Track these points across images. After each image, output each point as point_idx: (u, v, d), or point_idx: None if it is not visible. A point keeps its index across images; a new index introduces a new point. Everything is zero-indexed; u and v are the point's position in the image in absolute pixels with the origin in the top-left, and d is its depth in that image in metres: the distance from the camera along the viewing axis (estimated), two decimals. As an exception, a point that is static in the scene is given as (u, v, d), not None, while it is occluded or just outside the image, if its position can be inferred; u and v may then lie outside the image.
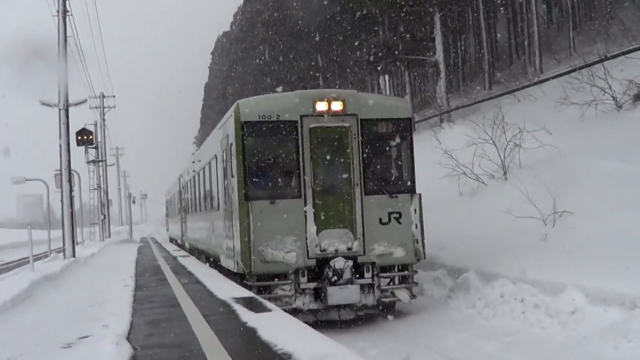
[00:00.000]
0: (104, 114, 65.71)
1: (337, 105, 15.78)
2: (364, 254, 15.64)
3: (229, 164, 16.75)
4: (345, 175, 15.84)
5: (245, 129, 15.46)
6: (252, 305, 12.46)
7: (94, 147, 55.25)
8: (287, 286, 15.31)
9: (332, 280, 15.09)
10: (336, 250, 15.37)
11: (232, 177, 16.06)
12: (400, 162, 16.81)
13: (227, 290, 15.23)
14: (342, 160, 15.98)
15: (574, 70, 26.58)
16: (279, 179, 15.86)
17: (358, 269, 15.64)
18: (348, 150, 15.80)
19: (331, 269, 15.10)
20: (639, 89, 22.44)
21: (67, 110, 26.62)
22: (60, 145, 26.91)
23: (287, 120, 15.63)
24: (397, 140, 16.63)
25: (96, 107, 65.76)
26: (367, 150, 16.13)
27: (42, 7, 28.14)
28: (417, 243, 15.93)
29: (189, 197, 32.37)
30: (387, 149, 16.86)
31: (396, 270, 16.25)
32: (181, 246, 41.18)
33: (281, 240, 15.09)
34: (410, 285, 16.27)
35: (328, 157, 16.12)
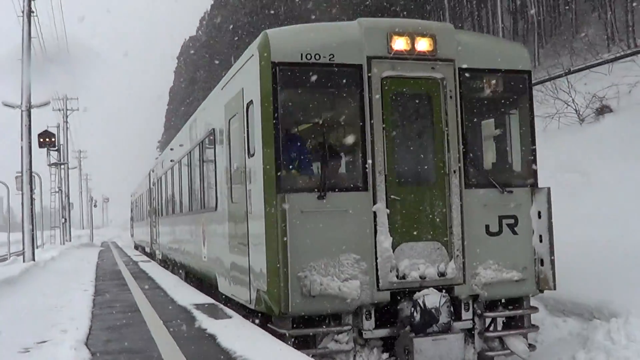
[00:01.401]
0: (66, 117, 65.24)
1: (424, 45, 9.95)
2: (464, 281, 9.89)
3: (243, 138, 10.54)
4: (436, 157, 10.05)
5: (280, 76, 9.45)
6: (212, 311, 12.02)
7: (56, 150, 54.30)
8: (342, 335, 9.57)
9: (419, 325, 9.41)
10: (422, 277, 9.61)
11: (251, 156, 10.10)
12: (516, 139, 10.99)
13: (188, 296, 14.51)
14: (431, 132, 10.17)
15: (538, 83, 25.76)
16: (332, 161, 10.16)
17: (454, 307, 9.98)
18: (440, 117, 10.05)
19: (418, 308, 9.39)
20: (601, 103, 22.30)
21: (29, 112, 26.22)
22: (21, 147, 26.45)
23: (346, 65, 9.73)
24: (512, 104, 11.02)
25: (59, 110, 65.37)
26: (469, 118, 10.41)
27: (6, 8, 27.99)
28: (542, 265, 10.31)
29: (163, 196, 25.41)
30: (498, 117, 11.33)
31: (502, 305, 10.54)
32: (150, 255, 33.74)
33: (335, 260, 9.32)
34: (528, 330, 10.61)
35: (410, 127, 10.43)
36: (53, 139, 45.44)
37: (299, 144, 10.62)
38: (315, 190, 9.49)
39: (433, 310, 9.42)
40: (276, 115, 9.47)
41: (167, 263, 25.48)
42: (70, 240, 61.54)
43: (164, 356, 8.52)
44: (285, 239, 9.07)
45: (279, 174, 9.42)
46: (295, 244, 9.13)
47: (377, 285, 9.55)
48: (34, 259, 26.30)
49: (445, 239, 9.94)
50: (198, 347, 9.03)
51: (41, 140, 42.34)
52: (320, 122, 10.64)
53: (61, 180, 59.33)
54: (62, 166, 59.03)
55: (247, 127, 10.38)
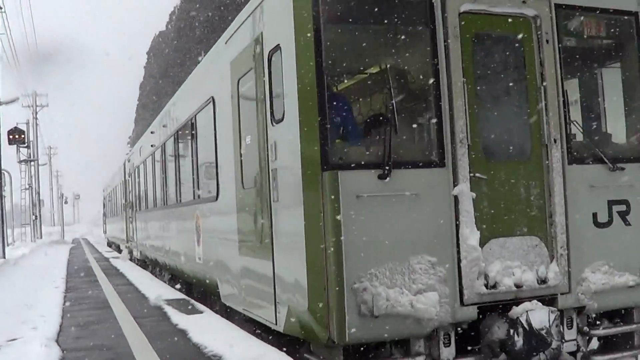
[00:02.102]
0: (36, 113, 64.54)
1: None
2: (569, 290, 7.31)
3: (263, 100, 7.84)
4: (530, 122, 7.44)
5: (323, 8, 6.83)
6: (183, 307, 11.85)
7: (26, 147, 53.64)
8: None
9: (523, 352, 6.79)
10: (518, 286, 7.00)
11: (278, 122, 7.41)
12: (627, 100, 8.19)
13: (159, 292, 14.28)
14: (522, 88, 7.55)
15: None
16: (395, 126, 7.08)
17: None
18: (534, 68, 7.44)
19: (520, 329, 6.76)
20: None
21: (-3, 109, 26.11)
22: (-10, 144, 26.35)
23: None
24: (619, 53, 8.37)
25: (28, 106, 64.64)
26: (569, 71, 7.95)
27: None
28: None
29: (142, 187, 21.80)
30: (602, 71, 8.71)
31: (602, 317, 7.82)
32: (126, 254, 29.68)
33: (404, 264, 6.76)
34: None
35: (496, 81, 7.61)
36: (23, 136, 44.75)
37: (349, 102, 8.03)
38: (375, 166, 6.79)
39: (542, 332, 6.73)
40: (320, 61, 6.76)
41: (147, 263, 22.53)
42: (41, 238, 61.07)
43: (134, 352, 8.40)
44: (338, 235, 6.48)
45: (325, 143, 6.69)
46: (350, 242, 6.50)
47: (462, 299, 6.87)
48: (4, 257, 25.93)
49: (544, 232, 7.32)
50: (169, 342, 8.93)
51: (10, 137, 41.68)
52: (379, 73, 8.07)
53: (31, 177, 58.70)
54: (32, 163, 58.60)
55: (270, 85, 7.62)
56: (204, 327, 9.70)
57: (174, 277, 16.82)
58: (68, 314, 12.02)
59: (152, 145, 18.60)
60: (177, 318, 10.65)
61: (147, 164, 20.30)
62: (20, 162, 53.94)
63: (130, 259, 27.39)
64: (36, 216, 60.48)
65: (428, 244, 6.84)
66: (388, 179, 6.75)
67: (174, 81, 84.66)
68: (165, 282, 17.36)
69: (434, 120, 7.11)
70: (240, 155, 8.95)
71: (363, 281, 6.55)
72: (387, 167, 6.76)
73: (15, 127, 43.37)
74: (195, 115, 12.16)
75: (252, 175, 8.48)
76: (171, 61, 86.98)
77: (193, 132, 12.55)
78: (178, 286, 15.72)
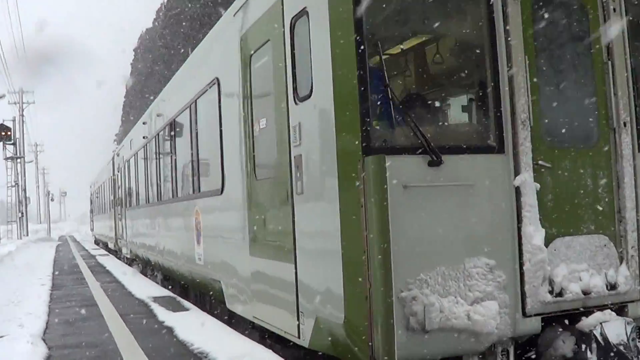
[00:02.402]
0: (22, 110, 64.11)
1: None
2: None
3: (283, 75, 6.71)
4: (596, 103, 6.40)
5: None
6: (170, 304, 11.73)
7: (12, 144, 53.17)
8: None
9: None
10: (586, 292, 5.99)
11: (303, 99, 6.31)
12: None
13: (146, 289, 14.20)
14: (587, 63, 6.51)
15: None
16: (447, 103, 6.80)
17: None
18: (600, 41, 6.39)
19: (594, 345, 5.73)
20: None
21: (-16, 106, 25.92)
22: (-24, 142, 26.20)
23: None
24: None
25: (15, 103, 64.18)
26: (636, 45, 6.68)
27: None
28: None
29: (132, 182, 20.42)
30: None
31: None
32: (115, 252, 28.81)
33: (458, 268, 5.76)
34: None
35: (559, 54, 6.50)
36: (9, 133, 44.56)
37: (393, 75, 6.88)
38: (424, 151, 5.70)
39: (620, 347, 5.66)
40: (359, 25, 5.64)
41: (137, 262, 21.19)
42: (27, 235, 60.52)
43: (121, 349, 8.30)
44: (384, 234, 5.29)
45: (366, 122, 5.60)
46: (397, 242, 5.37)
47: (523, 308, 5.83)
48: (-10, 254, 25.86)
49: (612, 230, 6.29)
50: (155, 339, 8.85)
51: (-3, 134, 41.62)
52: (428, 41, 6.97)
53: (17, 175, 58.31)
54: (19, 160, 58.07)
55: (294, 57, 6.49)
56: (191, 324, 9.65)
57: (167, 278, 15.78)
58: (55, 312, 11.97)
59: (143, 137, 17.18)
60: (164, 315, 10.61)
61: (138, 158, 18.92)
62: (6, 159, 53.47)
63: (119, 257, 26.29)
64: (22, 213, 60.01)
65: (485, 243, 5.80)
66: (439, 166, 5.70)
67: (161, 78, 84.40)
68: (157, 282, 16.35)
69: (491, 98, 6.00)
70: (252, 142, 7.76)
71: (412, 288, 5.52)
72: (438, 153, 5.67)
73: (2, 124, 43.10)
74: (196, 101, 10.92)
75: (267, 164, 7.46)
76: (158, 58, 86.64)
77: (193, 119, 11.30)
78: (170, 287, 15.11)
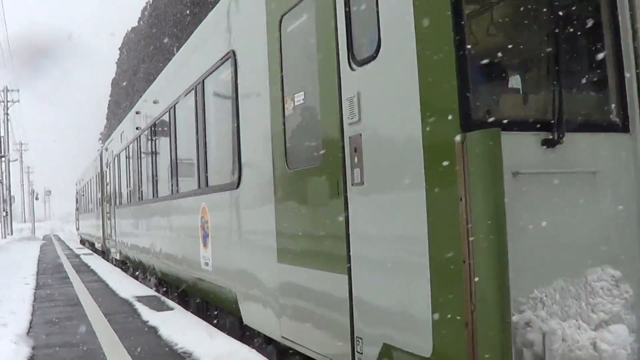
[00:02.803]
0: (7, 108, 63.71)
1: None
2: None
3: (331, 36, 5.37)
4: None
5: None
6: (154, 303, 11.68)
7: (-4, 142, 53.61)
8: None
9: None
10: None
11: (366, 61, 4.94)
12: None
13: (130, 288, 14.23)
14: None
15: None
16: (565, 68, 4.75)
17: None
18: None
19: None
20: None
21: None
22: (-39, 141, 26.03)
23: None
24: None
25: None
26: None
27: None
28: None
29: (123, 178, 18.79)
30: None
31: None
32: (103, 253, 27.04)
33: (579, 281, 4.47)
34: None
35: None
36: (-7, 132, 44.43)
37: (497, 31, 5.42)
38: (537, 127, 4.52)
39: None
40: None
41: (128, 264, 19.49)
42: (11, 234, 59.94)
43: (105, 349, 8.28)
44: (497, 236, 4.02)
45: (465, 88, 4.30)
46: (509, 248, 4.08)
47: None
48: (-26, 253, 25.68)
49: None
50: (139, 339, 8.81)
51: (-20, 133, 41.31)
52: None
53: (2, 173, 57.95)
54: (3, 159, 57.67)
55: (349, 7, 5.15)
56: (175, 324, 9.62)
57: (162, 282, 14.37)
58: (38, 311, 11.90)
59: (137, 128, 15.70)
60: (148, 315, 10.59)
61: (130, 151, 17.23)
62: (-10, 158, 53.15)
63: (107, 259, 24.90)
64: (6, 212, 59.70)
65: (610, 249, 4.55)
66: (557, 146, 4.45)
67: (146, 77, 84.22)
68: (151, 287, 15.15)
69: (612, 61, 4.89)
70: (283, 124, 6.39)
71: (524, 310, 4.22)
72: (557, 130, 4.41)
73: (-14, 123, 42.75)
74: (203, 81, 9.49)
75: (305, 150, 6.08)
76: (144, 57, 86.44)
77: (198, 103, 9.78)
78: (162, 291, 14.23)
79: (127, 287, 14.67)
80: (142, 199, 15.61)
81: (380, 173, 4.80)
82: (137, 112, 16.30)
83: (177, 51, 14.13)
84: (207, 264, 9.44)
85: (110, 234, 22.77)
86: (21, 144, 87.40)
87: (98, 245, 28.94)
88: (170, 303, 11.77)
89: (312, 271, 5.87)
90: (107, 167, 23.52)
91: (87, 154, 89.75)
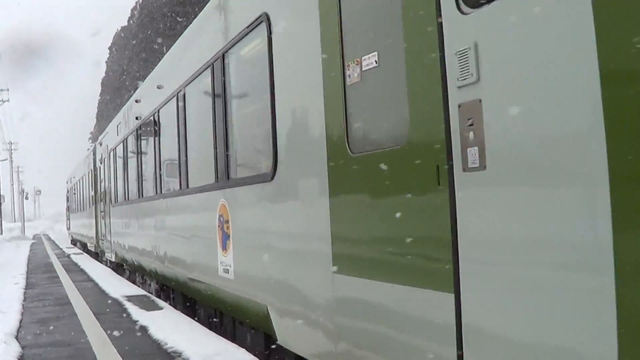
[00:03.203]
0: (-3, 109, 63.52)
1: None
2: None
3: None
4: None
5: None
6: (144, 303, 11.66)
7: (-14, 142, 53.40)
8: None
9: None
10: None
11: None
12: None
13: (120, 288, 14.28)
14: None
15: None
16: None
17: None
18: None
19: None
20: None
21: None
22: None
23: None
24: None
25: (-11, 102, 63.53)
26: None
27: None
28: None
29: (120, 174, 17.28)
30: None
31: None
32: (96, 255, 25.81)
33: None
34: None
35: None
36: (-17, 132, 44.21)
37: None
38: None
39: None
40: None
41: (125, 267, 18.29)
42: (1, 233, 59.76)
43: (94, 349, 8.26)
44: None
45: None
46: None
47: None
48: (-36, 253, 25.57)
49: None
50: (129, 338, 8.81)
51: (-30, 133, 41.10)
52: None
53: (-8, 173, 57.71)
54: (-7, 158, 57.45)
55: None
56: (164, 323, 9.63)
57: (164, 288, 13.23)
58: (28, 311, 11.89)
59: (137, 118, 14.24)
60: (138, 314, 10.59)
61: (128, 144, 15.85)
62: (-20, 157, 52.87)
63: (100, 260, 23.75)
64: (-4, 212, 59.46)
65: None
66: None
67: (136, 77, 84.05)
68: (151, 292, 14.03)
69: None
70: (343, 96, 5.01)
71: None
72: None
73: (-25, 123, 42.54)
74: (223, 55, 8.04)
75: (379, 126, 4.76)
76: (133, 57, 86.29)
77: (217, 81, 8.37)
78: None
79: (116, 286, 14.66)
80: (142, 196, 14.16)
81: (513, 154, 3.39)
82: (136, 101, 14.74)
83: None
84: (226, 271, 7.93)
85: (104, 234, 21.44)
86: (11, 143, 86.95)
87: (91, 246, 27.56)
88: (160, 303, 11.76)
89: (390, 286, 4.43)
90: (101, 163, 21.94)
91: (77, 154, 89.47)
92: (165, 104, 11.43)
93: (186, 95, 10.14)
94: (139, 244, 14.56)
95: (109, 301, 12.54)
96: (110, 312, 11.22)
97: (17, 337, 9.35)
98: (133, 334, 9.18)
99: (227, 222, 7.90)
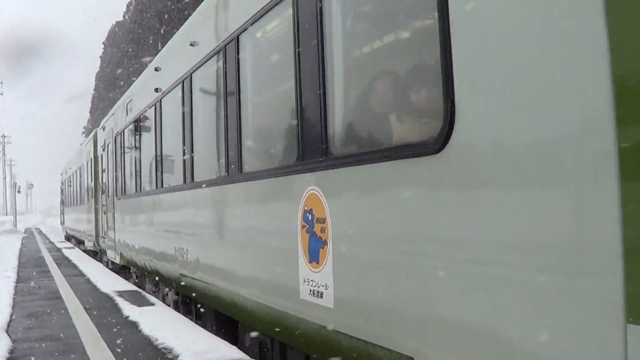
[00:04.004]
0: (-10, 102, 63.28)
1: None
2: None
3: None
4: None
5: None
6: (135, 298, 11.58)
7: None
8: None
9: None
10: None
11: None
12: None
13: (111, 283, 14.21)
14: None
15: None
16: None
17: None
18: None
19: None
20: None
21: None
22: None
23: None
24: None
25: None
26: None
27: None
28: None
29: (132, 160, 14.30)
30: None
31: None
32: (94, 253, 23.55)
33: None
34: None
35: None
36: (-24, 125, 44.06)
37: None
38: None
39: None
40: None
41: (131, 271, 15.57)
42: (-7, 226, 59.69)
43: (85, 343, 8.22)
44: None
45: None
46: None
47: None
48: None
49: None
50: (120, 334, 8.77)
51: (-37, 126, 40.89)
52: None
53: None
54: (-15, 151, 57.23)
55: None
56: (155, 319, 9.60)
57: (189, 301, 10.48)
58: (19, 305, 11.84)
59: (156, 90, 11.51)
60: (129, 310, 10.55)
61: (142, 124, 13.11)
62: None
63: (100, 260, 21.33)
64: (-12, 205, 59.21)
65: None
66: None
67: (130, 72, 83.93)
68: (168, 304, 11.45)
69: None
70: None
71: None
72: None
73: (-31, 116, 42.37)
74: None
75: None
76: (128, 52, 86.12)
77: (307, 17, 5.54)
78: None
79: (107, 281, 14.61)
80: (160, 186, 11.46)
81: None
82: (156, 69, 11.88)
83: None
84: (318, 294, 5.31)
85: (106, 231, 18.58)
86: (4, 136, 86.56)
87: (89, 244, 24.35)
88: (151, 298, 11.70)
89: None
90: (103, 150, 18.93)
91: (70, 148, 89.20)
92: (204, 63, 8.71)
93: (244, 46, 7.28)
94: (155, 246, 11.89)
95: (100, 296, 12.51)
96: (101, 307, 11.18)
97: (7, 331, 9.29)
98: (124, 330, 9.15)
99: (322, 221, 5.23)
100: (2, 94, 64.51)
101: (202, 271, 8.82)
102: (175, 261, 10.17)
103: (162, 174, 11.46)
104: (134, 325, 9.36)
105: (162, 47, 12.59)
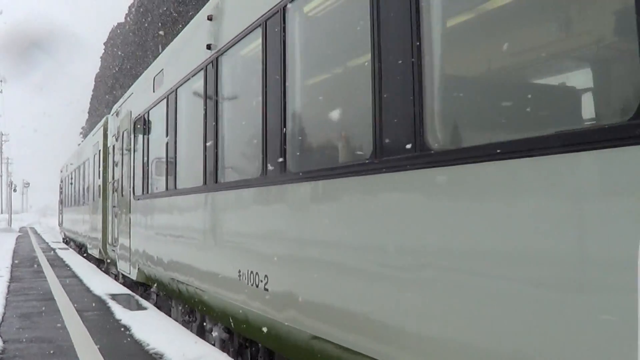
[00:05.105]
0: (-11, 100, 63.18)
1: None
2: None
3: None
4: None
5: None
6: (128, 302, 11.54)
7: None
8: None
9: None
10: None
11: None
12: None
13: (104, 285, 14.20)
14: None
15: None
16: None
17: None
18: None
19: None
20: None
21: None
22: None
23: None
24: None
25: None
26: None
27: None
28: None
29: (157, 151, 11.35)
30: None
31: None
32: (98, 261, 20.56)
33: None
34: None
35: None
36: (-26, 122, 44.00)
37: None
38: None
39: None
40: None
41: (151, 289, 12.06)
42: (-13, 224, 59.57)
43: (76, 346, 8.21)
44: None
45: None
46: None
47: None
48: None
49: None
50: (111, 337, 8.75)
51: (-39, 123, 40.85)
52: None
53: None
54: (-17, 149, 57.14)
55: None
56: (147, 323, 9.56)
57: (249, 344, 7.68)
58: (11, 305, 11.77)
59: (208, 47, 8.25)
60: (121, 313, 10.52)
61: (183, 97, 9.85)
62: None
63: (105, 271, 18.62)
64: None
65: None
66: None
67: (130, 73, 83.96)
68: (212, 343, 8.54)
69: None
70: None
71: None
72: None
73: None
74: None
75: None
76: (128, 54, 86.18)
77: None
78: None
79: (100, 283, 14.57)
80: (204, 182, 8.37)
81: None
82: (209, 17, 8.46)
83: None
84: None
85: (116, 238, 15.43)
86: (2, 134, 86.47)
87: (94, 251, 21.15)
88: (144, 302, 11.68)
89: None
90: (116, 140, 15.61)
91: (67, 148, 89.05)
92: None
93: None
94: (192, 261, 9.01)
95: (93, 299, 12.47)
96: (93, 310, 11.14)
97: (-1, 332, 9.27)
98: (115, 333, 9.11)
99: None
100: (1, 91, 64.39)
101: (277, 300, 6.03)
102: (241, 292, 7.00)
103: (217, 164, 7.98)
104: (126, 328, 9.35)
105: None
